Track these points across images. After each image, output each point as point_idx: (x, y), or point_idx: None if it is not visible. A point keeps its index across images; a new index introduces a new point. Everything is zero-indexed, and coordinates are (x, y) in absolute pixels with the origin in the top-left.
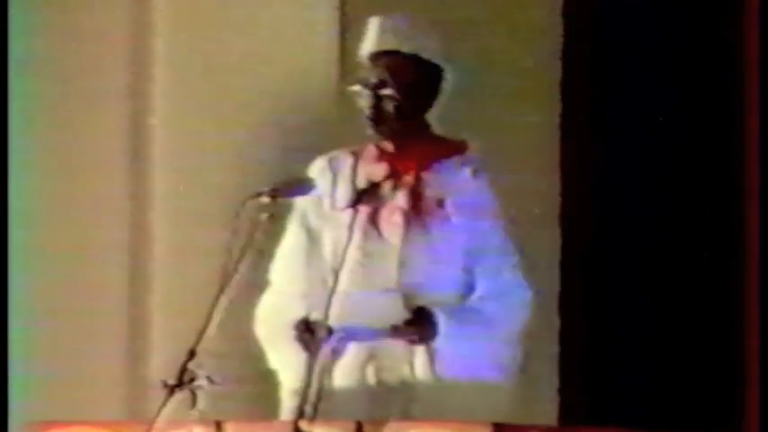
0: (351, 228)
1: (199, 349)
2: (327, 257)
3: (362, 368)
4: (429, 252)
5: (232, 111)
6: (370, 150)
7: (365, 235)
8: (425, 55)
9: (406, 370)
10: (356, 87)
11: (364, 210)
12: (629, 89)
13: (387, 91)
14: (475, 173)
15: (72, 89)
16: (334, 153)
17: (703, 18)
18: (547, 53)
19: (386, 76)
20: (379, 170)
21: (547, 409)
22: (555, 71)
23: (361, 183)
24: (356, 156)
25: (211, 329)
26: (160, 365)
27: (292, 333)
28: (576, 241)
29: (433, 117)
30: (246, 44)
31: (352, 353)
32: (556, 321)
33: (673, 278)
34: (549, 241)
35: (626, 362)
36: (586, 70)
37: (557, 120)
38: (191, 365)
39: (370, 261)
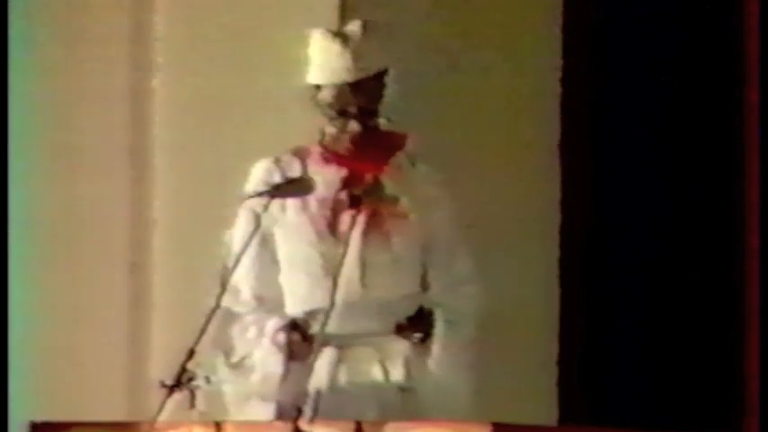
0: (351, 229)
1: (198, 349)
2: (282, 261)
3: (334, 370)
4: (389, 251)
5: (232, 110)
6: (315, 151)
7: (322, 239)
8: (385, 65)
9: (377, 372)
10: (332, 113)
11: (364, 212)
12: (628, 89)
13: (364, 114)
14: (422, 165)
15: (72, 89)
16: (279, 154)
17: (703, 19)
18: (547, 53)
19: (363, 101)
20: (335, 173)
21: (547, 409)
22: (555, 72)
23: (315, 185)
24: (301, 157)
25: (211, 330)
26: (160, 365)
27: (269, 336)
28: (575, 241)
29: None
30: (246, 44)
31: (323, 355)
32: (556, 321)
33: (673, 278)
34: (549, 241)
35: (625, 362)
36: (586, 71)
37: (557, 120)
38: (189, 365)
39: (330, 264)
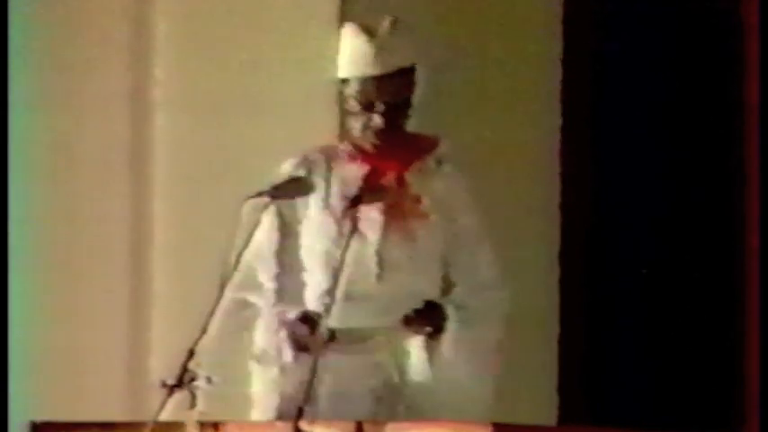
0: (351, 228)
1: (198, 349)
2: (303, 255)
3: (343, 365)
4: (408, 249)
5: (232, 110)
6: (343, 149)
7: (342, 235)
8: (415, 61)
9: (387, 366)
10: (356, 109)
11: (365, 209)
12: (628, 89)
13: (395, 110)
14: (450, 169)
15: (72, 89)
16: (306, 152)
17: (703, 19)
18: (548, 54)
19: (388, 97)
20: (357, 170)
21: (547, 409)
22: (555, 71)
23: (337, 182)
24: (327, 155)
25: (211, 329)
26: (160, 365)
27: (286, 330)
28: (575, 241)
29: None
30: (247, 43)
31: (333, 349)
32: (556, 322)
33: (673, 278)
34: (549, 242)
35: (626, 362)
36: (587, 71)
37: (557, 121)
38: (190, 365)
39: (349, 259)
